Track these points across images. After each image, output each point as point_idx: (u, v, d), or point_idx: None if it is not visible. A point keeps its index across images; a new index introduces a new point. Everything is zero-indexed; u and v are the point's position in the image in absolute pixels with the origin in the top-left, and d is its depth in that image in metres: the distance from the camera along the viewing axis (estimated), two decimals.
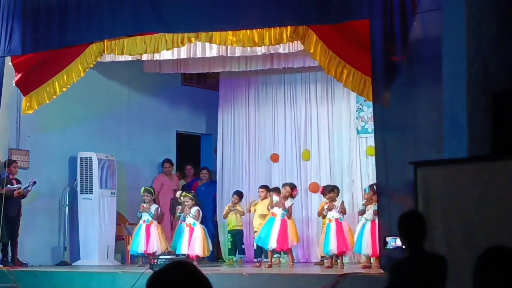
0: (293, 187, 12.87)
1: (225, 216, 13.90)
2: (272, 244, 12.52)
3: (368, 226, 11.93)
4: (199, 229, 12.97)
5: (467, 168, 7.59)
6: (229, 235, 13.95)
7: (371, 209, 11.81)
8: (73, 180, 14.08)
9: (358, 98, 13.44)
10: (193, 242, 12.87)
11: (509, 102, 8.20)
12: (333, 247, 12.23)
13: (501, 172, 7.31)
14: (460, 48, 8.46)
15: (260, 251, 13.17)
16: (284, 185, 12.93)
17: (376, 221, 11.83)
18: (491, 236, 7.21)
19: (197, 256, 12.80)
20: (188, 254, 12.45)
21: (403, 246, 6.09)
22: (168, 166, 15.08)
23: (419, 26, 10.11)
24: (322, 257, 13.15)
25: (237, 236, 13.80)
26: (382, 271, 10.42)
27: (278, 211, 12.65)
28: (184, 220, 13.08)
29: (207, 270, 11.92)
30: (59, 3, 12.23)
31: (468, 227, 7.35)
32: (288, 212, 12.63)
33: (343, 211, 12.48)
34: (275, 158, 14.81)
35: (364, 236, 11.95)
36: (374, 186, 12.12)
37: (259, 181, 14.27)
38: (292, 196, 12.75)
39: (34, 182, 13.11)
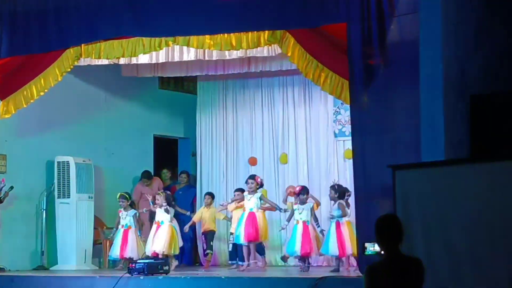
0: (252, 177, 12.92)
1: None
2: (242, 235, 12.56)
3: (333, 226, 12.03)
4: (166, 227, 12.98)
5: (444, 171, 7.62)
6: (202, 236, 13.94)
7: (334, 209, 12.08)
8: (50, 184, 14.01)
9: (336, 101, 13.47)
10: (155, 238, 12.89)
11: (486, 105, 8.25)
12: (297, 248, 12.26)
13: (478, 174, 7.35)
14: (437, 52, 8.51)
15: (235, 254, 13.18)
16: (248, 179, 12.95)
17: (340, 221, 11.96)
18: (469, 238, 7.25)
19: (164, 254, 12.80)
20: (166, 259, 12.45)
21: (382, 252, 6.10)
22: (146, 181, 14.98)
23: (396, 29, 10.15)
24: (284, 257, 13.21)
25: (208, 235, 13.79)
26: (360, 273, 10.46)
27: (248, 205, 12.66)
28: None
29: (184, 274, 12.00)
30: (37, 7, 12.18)
31: (446, 229, 7.38)
32: (263, 202, 12.73)
33: (313, 216, 12.51)
34: (253, 161, 14.82)
35: (330, 237, 12.04)
36: (336, 186, 12.34)
37: (237, 185, 14.24)
38: (258, 185, 12.76)
39: (11, 187, 13.05)
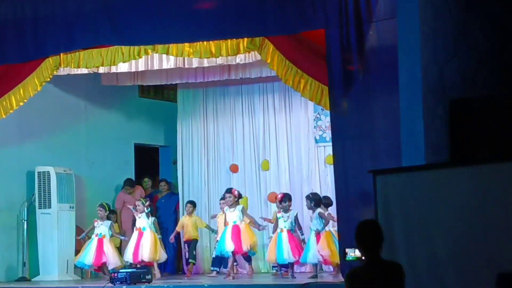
0: (228, 191, 12.95)
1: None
2: (228, 248, 12.53)
3: (313, 236, 12.04)
4: (148, 233, 12.96)
5: (425, 176, 7.64)
6: (185, 245, 13.91)
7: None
8: (31, 194, 13.94)
9: (316, 107, 13.49)
10: (141, 247, 12.85)
11: (465, 109, 8.27)
12: (288, 256, 12.27)
13: (458, 179, 7.37)
14: (415, 56, 8.52)
15: (219, 262, 13.16)
16: (225, 194, 12.97)
17: (321, 231, 11.97)
18: (450, 242, 7.26)
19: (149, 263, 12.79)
20: (148, 268, 12.43)
21: (363, 257, 6.11)
22: (129, 189, 14.94)
23: (374, 35, 10.20)
24: (274, 266, 13.19)
25: (191, 244, 13.75)
26: (342, 279, 10.47)
27: (230, 218, 12.65)
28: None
29: (167, 283, 11.97)
30: (15, 17, 12.16)
31: (428, 234, 7.39)
32: (243, 215, 12.71)
33: (297, 224, 12.53)
34: (234, 168, 14.81)
35: (310, 246, 12.05)
36: (310, 195, 12.44)
37: (219, 192, 14.24)
38: (236, 197, 12.77)
39: None
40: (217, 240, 13.13)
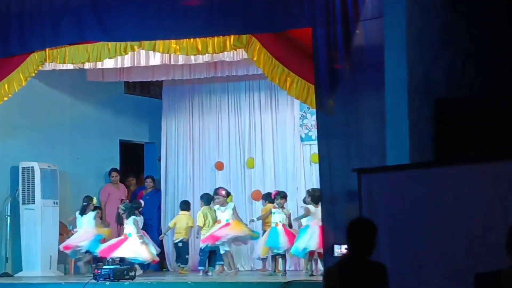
0: (216, 192, 13.02)
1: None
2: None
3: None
4: (133, 239, 12.92)
5: (409, 174, 7.65)
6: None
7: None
8: (15, 190, 13.88)
9: (302, 105, 13.48)
10: (123, 247, 12.84)
11: (451, 109, 8.31)
12: (283, 244, 12.34)
13: (443, 178, 7.38)
14: (402, 56, 8.54)
15: (205, 260, 13.15)
16: (214, 196, 13.08)
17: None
18: (434, 242, 7.28)
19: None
20: (133, 265, 12.40)
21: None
22: (115, 175, 14.97)
23: (361, 34, 10.20)
24: (262, 258, 13.23)
25: (182, 245, 13.69)
26: None
27: (223, 217, 12.69)
28: None
29: (150, 279, 11.96)
30: (0, 11, 12.09)
31: (412, 233, 7.41)
32: (233, 215, 12.73)
33: (289, 222, 12.58)
34: (219, 166, 14.79)
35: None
36: (311, 190, 12.51)
37: (204, 190, 14.22)
38: (222, 196, 12.86)
39: None
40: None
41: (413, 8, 8.57)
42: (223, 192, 12.95)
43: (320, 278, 11.09)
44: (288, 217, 12.67)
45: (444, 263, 7.20)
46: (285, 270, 12.43)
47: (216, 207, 12.93)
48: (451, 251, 7.20)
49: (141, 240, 12.88)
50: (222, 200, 12.86)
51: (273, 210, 12.70)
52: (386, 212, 7.58)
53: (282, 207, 12.61)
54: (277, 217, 12.55)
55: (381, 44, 9.14)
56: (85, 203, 13.55)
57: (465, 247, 7.11)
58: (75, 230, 13.55)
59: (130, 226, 12.97)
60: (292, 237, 12.39)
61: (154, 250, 13.13)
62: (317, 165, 11.25)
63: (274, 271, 12.47)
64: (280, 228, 12.47)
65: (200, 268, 13.17)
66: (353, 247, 5.80)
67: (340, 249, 6.81)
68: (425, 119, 8.37)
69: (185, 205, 13.84)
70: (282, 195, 12.77)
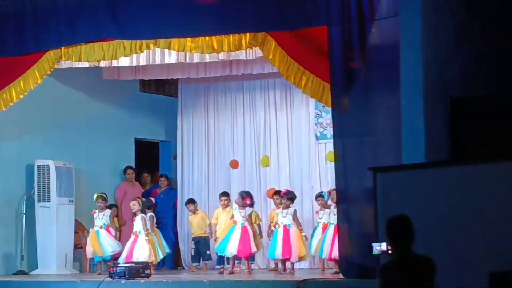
0: (243, 196, 12.78)
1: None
2: (232, 250, 12.49)
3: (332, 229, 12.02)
4: (143, 237, 12.91)
5: (425, 173, 7.66)
6: (192, 242, 13.85)
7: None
8: (30, 188, 13.93)
9: (317, 104, 13.47)
10: (135, 249, 12.82)
11: (466, 108, 8.29)
12: (278, 252, 12.26)
13: (458, 176, 7.38)
14: (417, 55, 8.53)
15: (222, 258, 13.15)
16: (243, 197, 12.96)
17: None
18: (450, 240, 7.28)
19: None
20: (150, 262, 12.40)
21: (389, 251, 6.20)
22: (130, 173, 15.01)
23: (377, 32, 10.19)
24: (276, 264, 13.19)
25: (200, 243, 13.70)
26: (341, 276, 10.48)
27: (239, 219, 12.63)
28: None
29: (167, 277, 11.97)
30: (16, 9, 12.14)
31: (427, 231, 7.40)
32: (247, 220, 12.61)
33: (295, 220, 12.46)
34: (234, 164, 14.79)
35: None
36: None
37: (219, 188, 14.24)
38: (244, 205, 12.67)
39: None
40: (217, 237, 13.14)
41: (428, 7, 8.56)
42: (249, 202, 12.81)
43: (335, 277, 11.12)
44: (295, 216, 12.50)
45: (460, 261, 7.20)
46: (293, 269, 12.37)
47: (234, 207, 12.83)
48: (467, 249, 7.19)
49: (147, 238, 12.88)
50: (244, 205, 12.76)
51: (277, 210, 12.63)
52: (402, 210, 7.54)
53: (288, 208, 12.49)
54: (282, 218, 12.44)
55: (396, 43, 9.13)
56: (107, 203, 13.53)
57: (481, 245, 7.10)
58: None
59: (139, 223, 12.97)
60: (288, 244, 12.22)
61: (161, 251, 13.10)
62: (333, 163, 11.21)
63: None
64: (280, 231, 12.30)
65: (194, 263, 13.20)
66: (402, 243, 6.08)
67: (380, 247, 6.81)
68: (441, 118, 8.35)
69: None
70: (289, 196, 12.63)
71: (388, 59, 9.68)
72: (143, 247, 12.82)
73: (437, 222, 7.40)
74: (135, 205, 13.09)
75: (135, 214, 13.17)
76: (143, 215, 13.02)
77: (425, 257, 6.10)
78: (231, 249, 12.48)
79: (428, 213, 7.46)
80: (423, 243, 7.37)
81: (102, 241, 13.13)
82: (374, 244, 8.44)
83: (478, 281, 6.78)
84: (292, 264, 12.42)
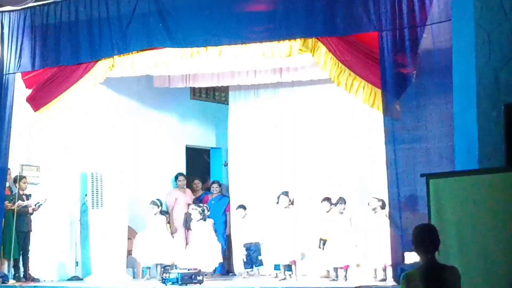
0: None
1: None
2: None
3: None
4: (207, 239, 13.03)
5: (478, 180, 7.59)
6: (244, 248, 13.90)
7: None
8: (84, 195, 14.09)
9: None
10: (201, 254, 12.92)
11: None
12: (335, 260, 12.29)
13: None
14: (470, 60, 8.46)
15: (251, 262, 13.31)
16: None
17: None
18: (504, 247, 7.21)
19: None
20: (199, 269, 12.47)
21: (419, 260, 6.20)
22: (182, 180, 15.10)
23: (429, 37, 10.12)
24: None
25: (251, 249, 13.74)
26: (395, 283, 10.43)
27: None
28: None
29: (219, 284, 12.01)
30: (69, 19, 12.31)
31: (481, 238, 7.35)
32: None
33: (346, 226, 12.50)
34: (285, 171, 14.76)
35: None
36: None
37: (270, 195, 14.23)
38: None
39: (44, 200, 13.12)
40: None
41: (481, 11, 8.48)
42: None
43: (389, 284, 11.08)
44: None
45: None
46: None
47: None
48: None
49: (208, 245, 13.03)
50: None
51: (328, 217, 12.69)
52: (454, 217, 7.54)
53: (342, 213, 12.52)
54: (336, 226, 12.49)
55: (448, 48, 9.07)
56: (160, 208, 13.68)
57: None
58: None
59: (200, 230, 13.06)
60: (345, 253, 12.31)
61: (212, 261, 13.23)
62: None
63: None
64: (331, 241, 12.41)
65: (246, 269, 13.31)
66: (427, 252, 6.06)
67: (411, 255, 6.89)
68: (494, 124, 8.27)
69: None
70: (343, 201, 12.68)
71: (440, 65, 9.62)
72: (205, 253, 12.92)
73: (490, 229, 7.34)
74: (196, 215, 13.19)
75: (187, 222, 13.30)
76: (203, 221, 13.15)
77: (450, 266, 6.10)
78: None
79: (481, 220, 7.39)
80: (476, 248, 7.34)
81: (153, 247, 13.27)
82: (406, 253, 8.44)
83: None
84: (346, 271, 12.41)
